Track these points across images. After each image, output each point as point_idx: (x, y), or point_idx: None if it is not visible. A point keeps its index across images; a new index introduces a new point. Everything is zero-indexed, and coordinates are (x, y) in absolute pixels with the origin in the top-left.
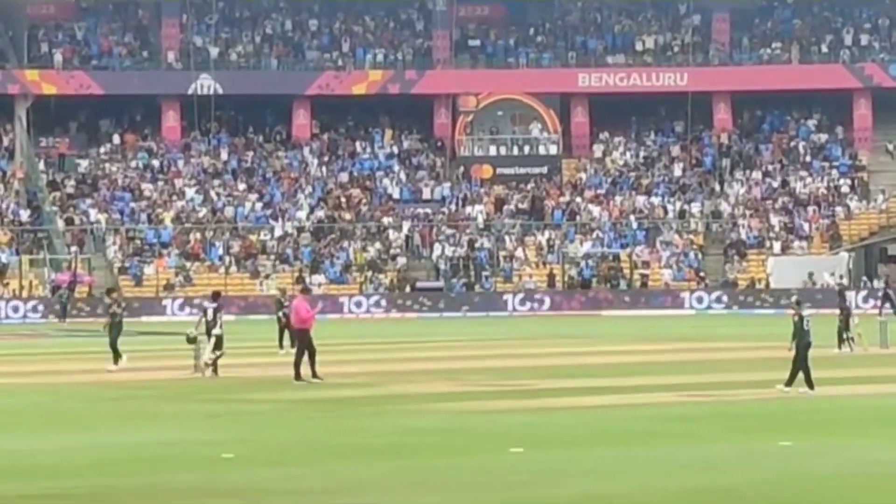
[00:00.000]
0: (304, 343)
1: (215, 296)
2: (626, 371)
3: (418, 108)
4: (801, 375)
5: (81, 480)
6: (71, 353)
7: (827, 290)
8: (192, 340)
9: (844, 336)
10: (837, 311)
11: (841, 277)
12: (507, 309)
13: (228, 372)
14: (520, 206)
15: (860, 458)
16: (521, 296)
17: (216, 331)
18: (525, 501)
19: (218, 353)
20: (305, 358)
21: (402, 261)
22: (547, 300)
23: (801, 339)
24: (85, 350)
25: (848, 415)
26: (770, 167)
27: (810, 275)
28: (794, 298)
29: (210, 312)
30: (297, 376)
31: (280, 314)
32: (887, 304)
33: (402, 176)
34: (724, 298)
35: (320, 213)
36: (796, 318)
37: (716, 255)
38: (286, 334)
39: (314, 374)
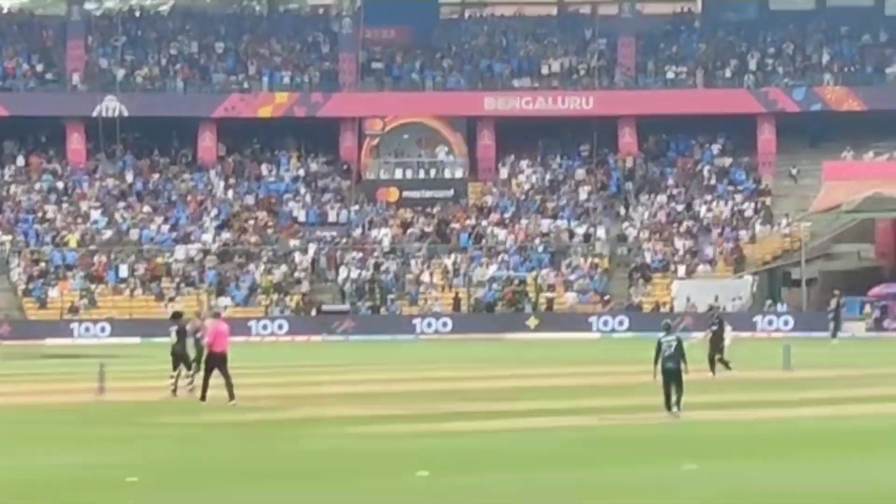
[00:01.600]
0: (222, 365)
1: (175, 316)
2: (532, 395)
3: (324, 131)
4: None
5: None
6: None
7: (732, 315)
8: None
9: (718, 359)
10: (709, 335)
11: (716, 299)
12: (414, 332)
13: (134, 396)
14: (426, 229)
15: (763, 481)
16: (427, 319)
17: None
18: None
19: (187, 373)
20: (214, 380)
21: (307, 284)
22: (452, 323)
23: (663, 363)
24: None
25: (750, 438)
26: (675, 191)
27: (715, 298)
28: (663, 322)
29: (173, 334)
30: (205, 397)
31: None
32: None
33: (308, 199)
34: (629, 322)
35: (226, 236)
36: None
37: (621, 278)
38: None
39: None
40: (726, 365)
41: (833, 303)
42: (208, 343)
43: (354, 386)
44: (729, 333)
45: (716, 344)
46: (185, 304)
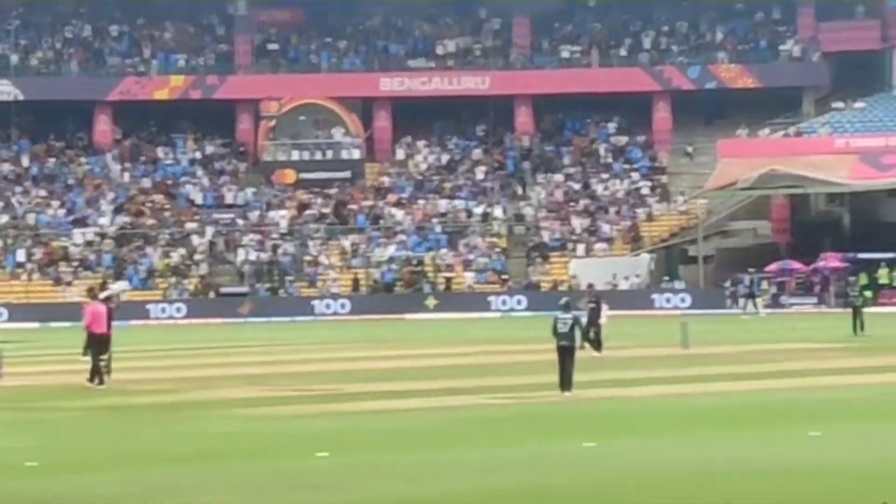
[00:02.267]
0: (104, 347)
1: (106, 299)
2: (431, 374)
3: (221, 114)
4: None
5: None
6: None
7: (630, 292)
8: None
9: (587, 337)
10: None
11: (614, 277)
12: (312, 313)
13: (32, 380)
14: (323, 210)
15: (662, 458)
16: (325, 301)
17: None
18: None
19: (103, 357)
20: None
21: (205, 266)
22: (350, 304)
23: (558, 341)
24: None
25: (648, 415)
26: (571, 170)
27: (613, 276)
28: (562, 300)
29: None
30: (102, 381)
31: None
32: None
33: (206, 181)
34: (527, 301)
35: (123, 219)
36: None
37: (519, 257)
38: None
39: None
40: (598, 345)
41: (747, 279)
42: (86, 325)
43: (252, 368)
44: (605, 313)
45: (592, 322)
46: (83, 289)
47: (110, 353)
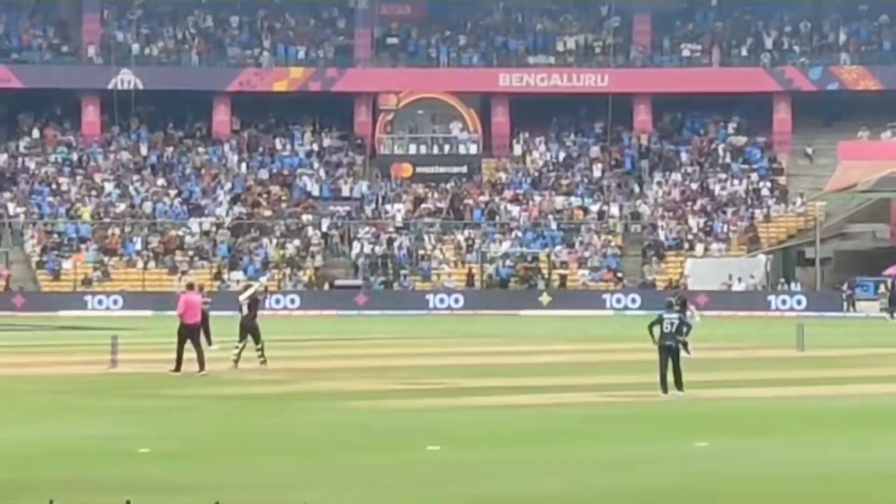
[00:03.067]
0: (194, 336)
1: (247, 288)
2: (546, 371)
3: (339, 106)
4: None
5: None
6: None
7: (745, 294)
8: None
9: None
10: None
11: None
12: (426, 308)
13: (146, 368)
14: (439, 205)
15: (775, 460)
16: (439, 295)
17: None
18: (440, 499)
19: (256, 346)
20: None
21: (320, 258)
22: (464, 299)
23: (662, 341)
24: (0, 344)
25: (761, 417)
26: (689, 169)
27: (729, 276)
28: (668, 299)
29: (245, 308)
30: (180, 367)
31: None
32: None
33: (322, 173)
34: (641, 299)
35: (239, 210)
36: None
37: (634, 256)
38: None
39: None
40: (684, 346)
41: (884, 286)
42: (179, 314)
43: (365, 360)
44: (694, 315)
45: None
46: (198, 278)
47: (262, 343)
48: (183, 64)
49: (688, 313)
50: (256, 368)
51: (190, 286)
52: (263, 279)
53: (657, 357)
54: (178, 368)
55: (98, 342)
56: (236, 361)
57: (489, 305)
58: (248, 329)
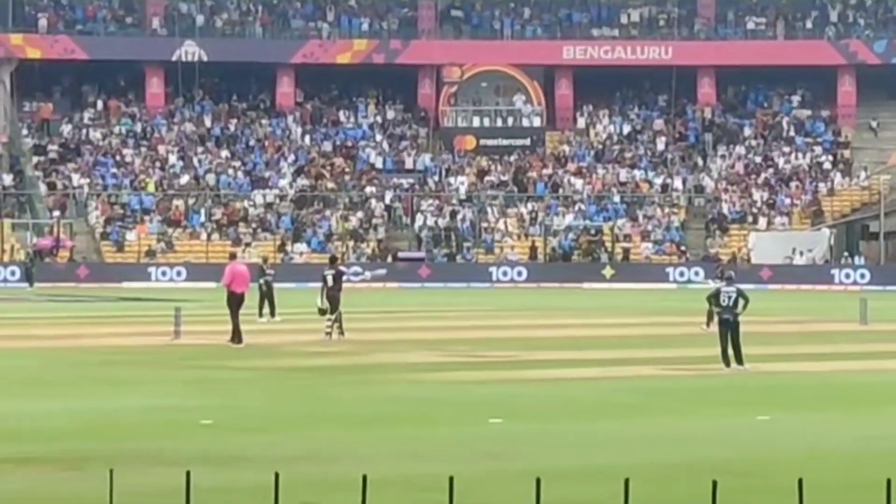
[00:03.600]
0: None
1: (332, 261)
2: (608, 344)
3: (402, 79)
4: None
5: (62, 444)
6: (50, 317)
7: (808, 268)
8: (322, 312)
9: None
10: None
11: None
12: (489, 280)
13: (206, 339)
14: (502, 177)
15: (837, 433)
16: (503, 268)
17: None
18: (503, 472)
19: (330, 315)
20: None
21: (383, 231)
22: (527, 272)
23: (720, 314)
24: (65, 315)
25: (823, 390)
26: (753, 142)
27: (792, 250)
28: (725, 273)
29: (329, 279)
30: (241, 338)
31: (262, 281)
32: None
33: (385, 146)
34: (704, 272)
35: (303, 182)
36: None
37: (697, 229)
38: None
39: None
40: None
41: None
42: (226, 284)
43: (429, 333)
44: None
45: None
46: (262, 250)
47: (339, 314)
48: (247, 35)
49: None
50: (319, 340)
51: (234, 256)
52: (379, 272)
53: (717, 331)
54: (238, 339)
55: (161, 313)
56: (340, 332)
57: (552, 278)
58: (335, 301)
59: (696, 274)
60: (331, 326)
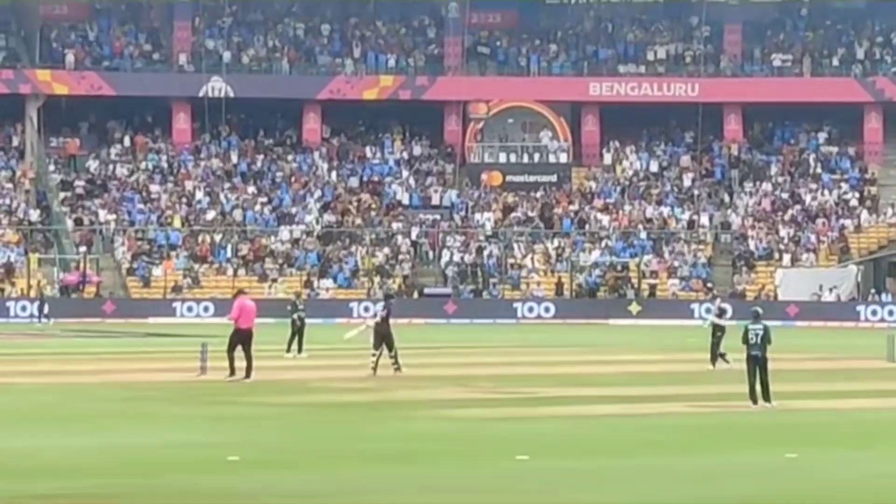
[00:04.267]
0: (246, 343)
1: (386, 297)
2: (634, 381)
3: (429, 114)
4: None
5: (88, 480)
6: (76, 353)
7: (835, 304)
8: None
9: (718, 353)
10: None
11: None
12: (515, 316)
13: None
14: (529, 213)
15: (864, 471)
16: (529, 304)
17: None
18: None
19: (389, 353)
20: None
21: (409, 266)
22: (554, 308)
23: (748, 351)
24: (91, 350)
25: (851, 427)
26: (780, 179)
27: (819, 287)
28: (752, 310)
29: (379, 315)
30: (248, 374)
31: (295, 317)
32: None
33: (412, 182)
34: (731, 310)
35: (329, 218)
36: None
37: (724, 266)
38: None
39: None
40: (722, 357)
41: None
42: (233, 319)
43: (455, 369)
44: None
45: (714, 334)
46: (288, 286)
47: (396, 350)
48: (274, 72)
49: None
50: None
51: (242, 291)
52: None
53: (745, 368)
54: (232, 373)
55: (188, 349)
56: (374, 369)
57: (578, 314)
58: (383, 336)
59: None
60: (376, 362)
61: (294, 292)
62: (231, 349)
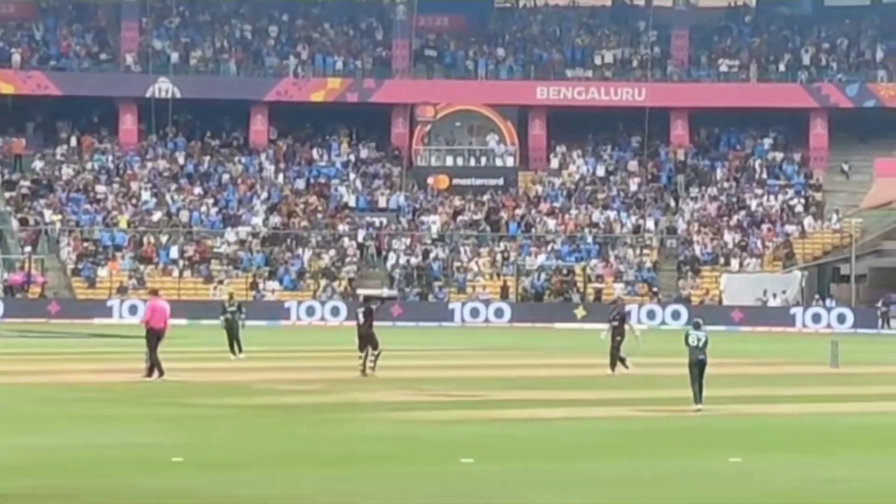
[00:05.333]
0: (157, 342)
1: (366, 299)
2: (579, 384)
3: (376, 117)
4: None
5: (32, 480)
6: (20, 353)
7: (779, 310)
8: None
9: (619, 357)
10: (610, 330)
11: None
12: (461, 320)
13: (177, 376)
14: (475, 217)
15: (807, 475)
16: (474, 307)
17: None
18: None
19: (373, 352)
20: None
21: (355, 269)
22: (500, 312)
23: (691, 356)
24: (35, 351)
25: (795, 433)
26: (725, 184)
27: (764, 292)
28: (694, 320)
29: (360, 316)
30: (151, 373)
31: (222, 318)
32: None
33: (359, 184)
34: (677, 314)
35: (275, 220)
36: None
37: (669, 270)
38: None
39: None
40: (622, 361)
41: None
42: (145, 320)
43: (400, 372)
44: (635, 328)
45: (614, 338)
46: (234, 287)
47: (380, 351)
48: (221, 73)
49: (626, 328)
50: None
51: (155, 292)
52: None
53: (688, 372)
54: (158, 374)
55: (132, 350)
56: (363, 371)
57: (524, 318)
58: (366, 338)
59: (671, 315)
60: (363, 363)
61: (227, 293)
62: (153, 350)
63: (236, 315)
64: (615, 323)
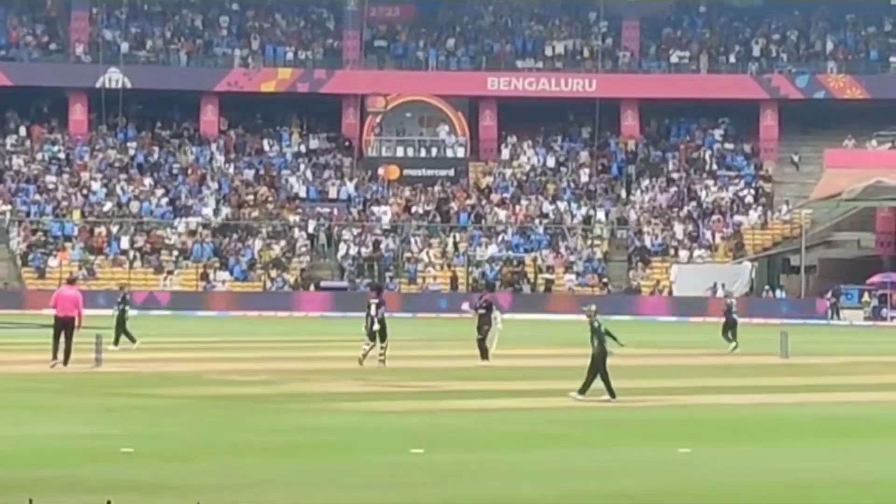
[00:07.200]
0: (68, 331)
1: (378, 290)
2: (529, 375)
3: (327, 108)
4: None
5: None
6: None
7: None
8: (372, 337)
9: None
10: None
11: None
12: (412, 310)
13: (125, 367)
14: (426, 207)
15: (756, 466)
16: (425, 297)
17: (376, 326)
18: (423, 502)
19: (381, 344)
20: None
21: (306, 260)
22: (450, 302)
23: (598, 346)
24: None
25: (745, 423)
26: (676, 175)
27: (714, 283)
28: (592, 307)
29: (373, 307)
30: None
31: (114, 309)
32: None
33: (309, 175)
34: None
35: (226, 210)
36: (595, 325)
37: (620, 261)
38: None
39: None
40: (484, 353)
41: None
42: (52, 305)
43: (350, 362)
44: (498, 319)
45: (480, 328)
46: (184, 278)
47: (387, 342)
48: (171, 63)
49: (493, 316)
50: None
51: (69, 280)
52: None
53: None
54: (55, 359)
55: (82, 341)
56: (364, 357)
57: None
58: (380, 329)
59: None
60: (366, 353)
61: (119, 284)
62: (55, 336)
63: (122, 305)
64: (482, 311)
